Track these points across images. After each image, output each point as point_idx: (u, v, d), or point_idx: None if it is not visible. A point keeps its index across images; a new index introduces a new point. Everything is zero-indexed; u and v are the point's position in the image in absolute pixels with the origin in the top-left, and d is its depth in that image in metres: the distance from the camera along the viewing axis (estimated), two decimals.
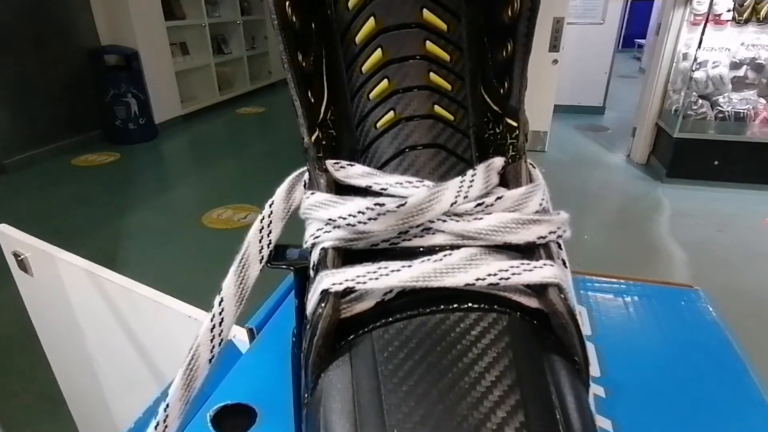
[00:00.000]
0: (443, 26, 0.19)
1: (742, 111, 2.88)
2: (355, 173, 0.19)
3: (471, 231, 0.17)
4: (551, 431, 0.13)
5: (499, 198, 0.17)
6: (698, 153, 2.93)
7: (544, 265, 0.16)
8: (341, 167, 0.20)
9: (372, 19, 0.19)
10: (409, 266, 0.16)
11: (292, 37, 0.19)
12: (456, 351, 0.14)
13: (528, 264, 0.16)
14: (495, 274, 0.15)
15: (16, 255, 0.86)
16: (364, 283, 0.16)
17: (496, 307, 0.16)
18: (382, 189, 0.18)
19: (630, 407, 0.30)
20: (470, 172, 0.18)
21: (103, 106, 3.69)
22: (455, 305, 0.16)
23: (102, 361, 0.90)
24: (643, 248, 2.35)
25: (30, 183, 3.11)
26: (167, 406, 0.19)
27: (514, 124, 0.20)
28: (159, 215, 2.72)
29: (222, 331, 0.20)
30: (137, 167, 3.48)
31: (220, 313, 0.20)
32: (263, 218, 0.21)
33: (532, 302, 0.16)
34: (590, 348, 0.35)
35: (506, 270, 0.16)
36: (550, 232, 0.17)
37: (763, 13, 2.80)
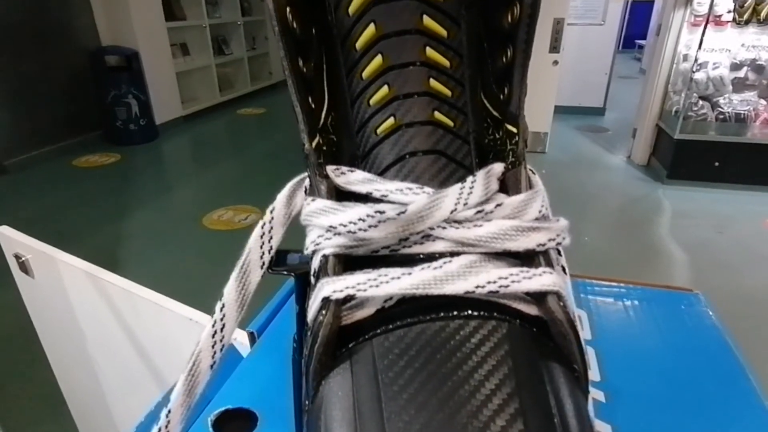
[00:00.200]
0: (443, 32, 0.19)
1: (742, 112, 2.88)
2: (355, 179, 0.19)
3: (471, 238, 0.17)
4: None
5: (498, 205, 0.17)
6: (699, 154, 2.93)
7: (543, 272, 0.16)
8: (342, 173, 0.20)
9: (372, 25, 0.19)
10: (409, 274, 0.16)
11: (293, 43, 0.19)
12: (456, 359, 0.14)
13: (527, 272, 0.16)
14: (494, 282, 0.16)
15: (17, 257, 0.87)
16: (365, 290, 0.16)
17: (495, 314, 0.16)
18: (382, 196, 0.18)
19: (630, 412, 0.30)
20: (470, 178, 0.18)
21: (104, 107, 3.70)
22: (455, 312, 0.16)
23: (102, 363, 0.91)
24: (644, 249, 2.35)
25: (31, 183, 3.11)
26: (169, 411, 0.19)
27: (514, 130, 0.20)
28: (160, 216, 2.72)
29: (223, 336, 0.20)
30: (138, 168, 3.48)
31: (222, 319, 0.20)
32: (264, 224, 0.21)
33: (531, 309, 0.16)
34: (590, 352, 0.35)
35: (506, 278, 0.16)
36: (550, 240, 0.17)
37: (763, 14, 2.80)
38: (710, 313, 0.39)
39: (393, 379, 0.14)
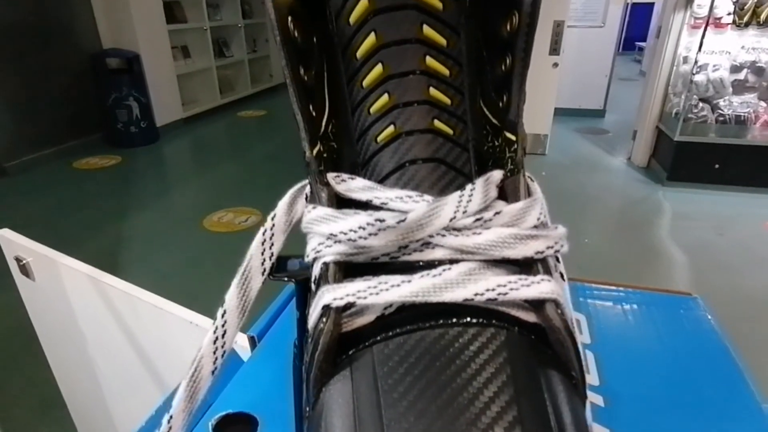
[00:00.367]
0: (443, 41, 0.19)
1: (742, 114, 2.88)
2: (356, 186, 0.19)
3: (470, 246, 0.17)
4: None
5: (497, 213, 0.17)
6: (699, 156, 2.93)
7: (542, 280, 0.16)
8: (342, 180, 0.20)
9: (373, 34, 0.19)
10: (409, 281, 0.16)
11: (294, 51, 0.19)
12: (455, 366, 0.15)
13: (525, 279, 0.16)
14: (493, 290, 0.16)
15: (18, 260, 0.87)
16: (365, 298, 0.16)
17: (494, 321, 0.16)
18: (382, 203, 0.18)
19: (629, 416, 0.30)
20: (469, 186, 0.18)
21: (105, 109, 3.71)
22: (454, 320, 0.16)
23: (103, 366, 0.91)
24: (644, 251, 2.35)
25: (31, 186, 3.12)
26: (171, 417, 0.19)
27: (513, 137, 0.20)
28: (160, 218, 2.73)
29: (225, 343, 0.20)
30: (138, 170, 3.48)
31: (223, 325, 0.20)
32: (265, 231, 0.21)
33: (529, 316, 0.16)
34: (589, 356, 0.35)
35: (504, 285, 0.16)
36: (548, 247, 0.17)
37: (763, 16, 2.81)
38: (709, 317, 0.39)
39: (393, 387, 0.15)
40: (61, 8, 3.46)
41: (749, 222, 2.60)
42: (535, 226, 0.18)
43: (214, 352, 0.20)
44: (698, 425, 0.31)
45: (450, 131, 0.20)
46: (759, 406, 0.32)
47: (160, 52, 4.02)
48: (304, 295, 0.22)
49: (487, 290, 0.16)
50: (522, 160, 0.20)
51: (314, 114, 0.20)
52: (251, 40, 5.49)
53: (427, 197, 0.18)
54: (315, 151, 0.20)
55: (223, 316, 0.20)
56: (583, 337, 0.37)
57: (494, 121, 0.21)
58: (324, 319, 0.16)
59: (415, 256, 0.18)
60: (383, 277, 0.17)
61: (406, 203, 0.18)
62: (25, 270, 0.87)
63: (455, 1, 0.19)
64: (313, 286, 0.18)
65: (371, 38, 0.19)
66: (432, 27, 0.19)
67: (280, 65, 0.19)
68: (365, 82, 0.20)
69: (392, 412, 0.14)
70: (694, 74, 2.88)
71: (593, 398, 0.31)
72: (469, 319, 0.16)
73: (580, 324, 0.39)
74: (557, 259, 0.20)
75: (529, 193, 0.20)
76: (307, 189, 0.21)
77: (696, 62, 2.86)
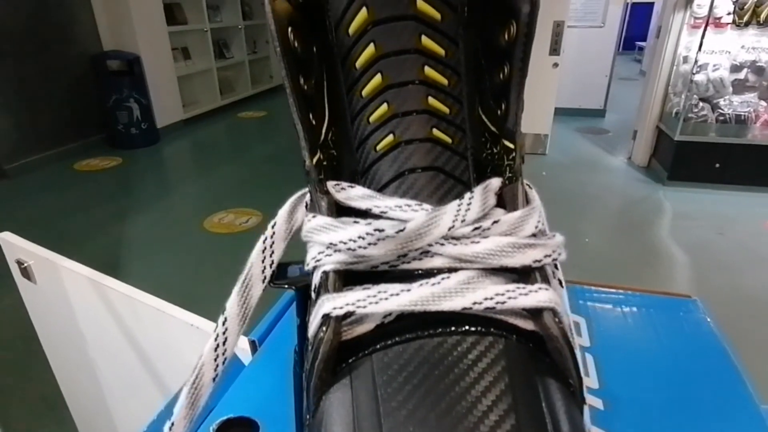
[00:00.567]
0: (441, 52, 0.20)
1: (742, 114, 2.88)
2: (355, 195, 0.20)
3: (468, 254, 0.17)
4: None
5: (495, 222, 0.18)
6: (699, 156, 2.93)
7: (539, 289, 0.16)
8: (342, 188, 0.20)
9: (372, 45, 0.19)
10: (408, 290, 0.16)
11: (294, 61, 0.19)
12: (453, 375, 0.15)
13: (523, 288, 0.16)
14: (491, 298, 0.16)
15: (19, 263, 0.87)
16: (365, 307, 0.16)
17: (492, 330, 0.16)
18: (381, 212, 0.18)
19: (628, 419, 0.31)
20: (468, 195, 0.18)
21: (106, 111, 3.71)
22: (453, 328, 0.16)
23: (104, 368, 0.91)
24: (644, 251, 2.35)
25: (32, 187, 3.12)
26: (172, 424, 0.19)
27: (511, 146, 0.20)
28: (161, 219, 2.73)
29: (226, 350, 0.20)
30: (139, 172, 3.49)
31: (224, 332, 0.20)
32: (266, 239, 0.21)
33: (527, 324, 0.17)
34: (589, 360, 0.35)
35: (502, 294, 0.16)
36: (546, 256, 0.17)
37: (763, 16, 2.81)
38: (708, 319, 0.39)
39: (392, 395, 0.15)
40: (61, 10, 3.46)
41: (750, 221, 2.60)
42: (534, 235, 0.18)
43: (215, 359, 0.20)
44: (697, 428, 0.31)
45: (449, 140, 0.20)
46: (757, 409, 0.32)
47: (161, 54, 4.03)
48: (304, 302, 0.22)
49: (486, 299, 0.16)
50: (520, 167, 0.21)
51: (314, 122, 0.21)
52: (251, 41, 5.50)
53: (426, 206, 0.18)
54: (315, 160, 0.20)
55: (224, 324, 0.20)
56: (582, 340, 0.37)
57: (493, 129, 0.21)
58: (324, 328, 0.16)
59: (414, 265, 0.18)
60: (382, 286, 0.17)
61: (405, 212, 0.18)
62: (26, 273, 0.88)
63: (453, 11, 0.19)
64: (313, 295, 0.19)
65: (370, 48, 0.19)
66: (430, 37, 0.19)
67: (281, 74, 0.19)
68: (365, 92, 0.20)
69: (392, 421, 0.14)
70: (694, 74, 2.88)
71: (593, 401, 0.32)
72: (467, 327, 0.16)
73: (579, 327, 0.39)
74: (555, 266, 0.20)
75: (527, 201, 0.20)
76: (307, 197, 0.22)
77: (696, 62, 2.86)
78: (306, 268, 0.19)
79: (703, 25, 2.82)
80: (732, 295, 1.96)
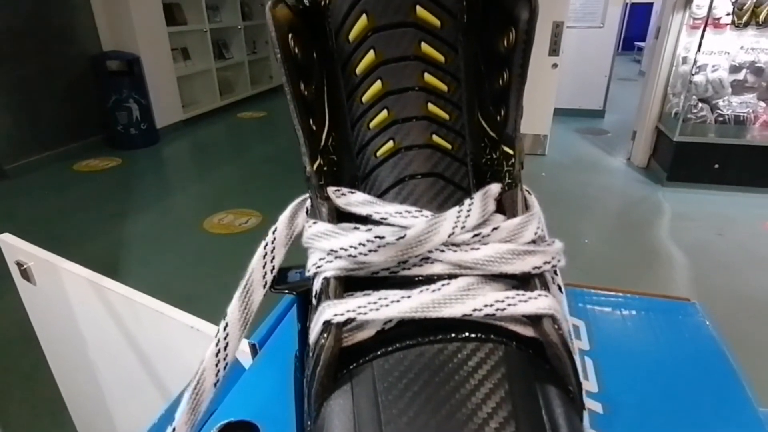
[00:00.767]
0: (441, 58, 0.20)
1: (742, 114, 2.88)
2: (355, 201, 0.20)
3: (468, 261, 0.17)
4: None
5: (495, 228, 0.18)
6: (698, 156, 2.93)
7: (539, 295, 0.16)
8: (342, 194, 0.20)
9: (372, 51, 0.19)
10: (409, 297, 0.16)
11: (295, 67, 0.19)
12: (454, 382, 0.15)
13: (523, 295, 0.16)
14: (491, 305, 0.16)
15: (19, 264, 0.87)
16: (365, 313, 0.16)
17: (492, 336, 0.16)
18: (382, 218, 0.19)
19: (627, 424, 0.31)
20: (467, 201, 0.18)
21: (105, 112, 3.71)
22: (453, 335, 0.16)
23: (104, 369, 0.91)
24: (644, 252, 2.36)
25: (32, 188, 3.12)
26: (174, 429, 0.19)
27: (510, 151, 0.21)
28: (160, 220, 2.73)
29: (227, 355, 0.20)
30: (139, 172, 3.49)
31: (225, 338, 0.20)
32: (266, 244, 0.21)
33: (527, 331, 0.17)
34: (588, 363, 0.35)
35: (502, 301, 0.16)
36: (545, 263, 0.17)
37: (762, 16, 2.81)
38: (707, 322, 0.39)
39: (393, 402, 0.15)
40: (61, 11, 3.46)
41: (749, 222, 2.60)
42: (533, 241, 0.18)
43: (217, 365, 0.20)
44: (695, 431, 0.31)
45: (448, 146, 0.20)
46: (756, 412, 0.32)
47: (160, 54, 4.03)
48: (304, 307, 0.22)
49: (486, 306, 0.16)
50: (520, 173, 0.21)
51: (314, 128, 0.21)
52: (251, 41, 5.50)
53: (426, 212, 0.18)
54: (315, 166, 0.20)
55: (225, 329, 0.20)
56: (582, 344, 0.37)
57: (492, 134, 0.21)
58: (325, 335, 0.16)
59: (415, 271, 0.18)
60: (383, 292, 0.17)
61: (406, 218, 0.18)
62: (26, 274, 0.88)
63: (453, 18, 0.19)
64: (314, 301, 0.19)
65: (370, 55, 0.19)
66: (430, 44, 0.19)
67: (282, 80, 0.19)
68: (365, 98, 0.20)
69: (392, 428, 0.14)
70: (693, 74, 2.88)
71: (592, 405, 0.32)
72: (467, 334, 0.16)
73: (579, 330, 0.39)
74: (555, 272, 0.20)
75: (526, 207, 0.21)
76: (308, 203, 0.22)
77: (695, 62, 2.86)
78: (307, 274, 0.19)
79: (702, 26, 2.83)
80: (731, 296, 1.96)
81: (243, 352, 0.38)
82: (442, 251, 0.17)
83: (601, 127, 4.42)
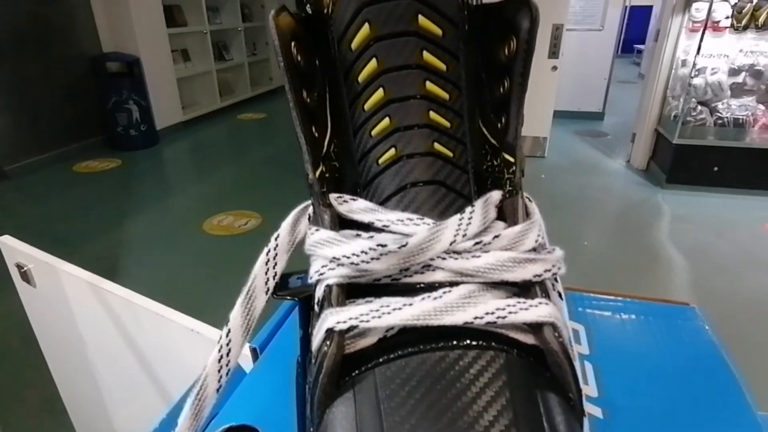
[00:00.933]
0: (442, 67, 0.20)
1: (741, 117, 2.89)
2: (357, 208, 0.20)
3: (469, 269, 0.17)
4: None
5: (496, 236, 0.18)
6: (698, 159, 2.94)
7: (539, 303, 0.16)
8: (344, 201, 0.20)
9: (374, 60, 0.20)
10: (410, 305, 0.16)
11: (297, 75, 0.20)
12: (455, 389, 0.15)
13: (524, 303, 0.16)
14: (492, 313, 0.16)
15: (19, 266, 0.87)
16: (367, 321, 0.16)
17: (493, 344, 0.16)
18: (384, 226, 0.19)
19: (627, 428, 0.31)
20: (468, 209, 0.19)
21: (105, 113, 3.71)
22: (454, 342, 0.16)
23: (103, 372, 0.91)
24: (643, 254, 2.36)
25: (31, 189, 3.12)
26: None
27: (511, 159, 0.21)
28: (160, 221, 2.73)
29: (229, 361, 0.20)
30: (138, 174, 3.49)
31: (228, 344, 0.20)
32: (269, 251, 0.21)
33: (528, 338, 0.17)
34: (588, 368, 0.36)
35: (503, 309, 0.16)
36: (545, 270, 0.18)
37: (761, 19, 2.82)
38: (706, 327, 0.40)
39: (395, 409, 0.15)
40: (61, 12, 3.47)
41: (748, 224, 2.61)
42: (534, 249, 0.18)
43: (219, 371, 0.20)
44: None
45: (450, 154, 0.20)
46: (754, 416, 0.32)
47: (160, 56, 4.03)
48: (306, 313, 0.22)
49: (487, 314, 0.16)
50: (520, 181, 0.21)
51: (317, 135, 0.21)
52: (251, 43, 5.51)
53: (428, 220, 0.18)
54: (318, 173, 0.20)
55: (227, 335, 0.20)
56: (582, 348, 0.37)
57: (493, 141, 0.22)
58: (328, 342, 0.16)
59: (416, 278, 0.18)
60: (385, 300, 0.17)
61: (407, 226, 0.18)
62: (26, 276, 0.88)
63: (454, 27, 0.20)
64: (316, 308, 0.19)
65: (372, 64, 0.20)
66: (432, 53, 0.19)
67: (285, 88, 0.20)
68: (367, 106, 0.20)
69: None
70: (692, 77, 2.89)
71: (592, 410, 0.32)
72: (468, 341, 0.16)
73: (579, 334, 0.39)
74: (555, 279, 0.20)
75: (527, 214, 0.21)
76: (310, 210, 0.22)
77: (694, 65, 2.87)
78: (310, 281, 0.19)
79: (702, 29, 2.84)
80: (731, 299, 1.96)
81: (244, 356, 0.38)
82: (444, 259, 0.18)
83: (600, 130, 4.43)
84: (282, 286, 0.22)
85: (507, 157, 0.21)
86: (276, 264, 0.21)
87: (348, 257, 0.17)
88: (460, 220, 0.18)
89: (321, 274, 0.18)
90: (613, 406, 0.32)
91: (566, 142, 4.04)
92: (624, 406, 0.32)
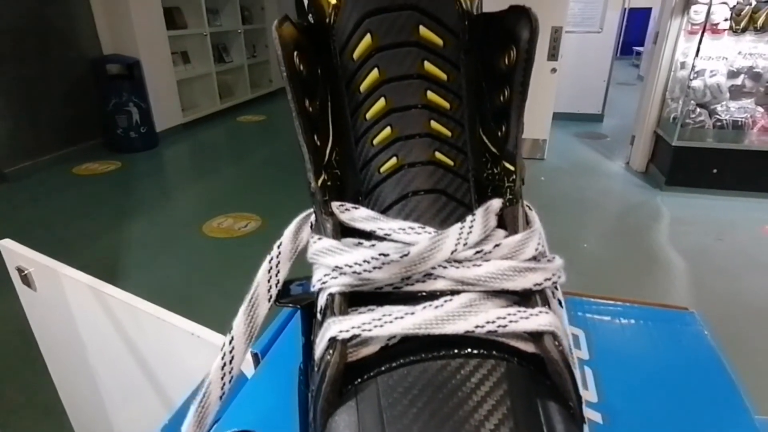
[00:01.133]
0: (443, 76, 0.20)
1: (740, 119, 2.90)
2: (359, 216, 0.20)
3: (470, 277, 0.18)
4: None
5: (497, 245, 0.18)
6: (697, 161, 2.94)
7: (540, 312, 0.17)
8: (346, 209, 0.20)
9: (376, 70, 0.20)
10: (412, 313, 0.17)
11: (300, 84, 0.20)
12: (457, 398, 0.15)
13: (524, 311, 0.17)
14: (493, 322, 0.16)
15: (19, 270, 0.87)
16: (370, 330, 0.16)
17: (494, 353, 0.17)
18: (385, 234, 0.19)
19: None
20: (469, 218, 0.19)
21: (105, 115, 3.72)
22: (456, 350, 0.17)
23: (104, 375, 0.91)
24: (643, 256, 2.36)
25: (31, 191, 3.12)
26: None
27: (511, 168, 0.21)
28: (160, 224, 2.73)
29: (232, 368, 0.20)
30: (138, 176, 3.49)
31: (231, 351, 0.20)
32: (272, 259, 0.21)
33: (528, 347, 0.17)
34: (588, 373, 0.36)
35: (503, 318, 0.16)
36: (546, 279, 0.18)
37: (760, 21, 2.83)
38: (705, 332, 0.40)
39: (397, 418, 0.15)
40: (61, 14, 3.47)
41: (748, 227, 2.61)
42: (534, 257, 0.19)
43: (222, 378, 0.20)
44: None
45: (451, 163, 0.20)
46: (752, 421, 0.33)
47: (160, 58, 4.04)
48: (309, 320, 0.22)
49: (487, 323, 0.16)
50: (521, 190, 0.21)
51: (318, 143, 0.21)
52: (251, 45, 5.51)
53: (429, 229, 0.19)
54: (320, 182, 0.21)
55: (231, 342, 0.20)
56: (581, 353, 0.37)
57: (493, 149, 0.22)
58: (331, 351, 0.16)
59: (418, 287, 0.18)
60: (387, 308, 0.17)
61: (409, 235, 0.18)
62: (26, 280, 0.88)
63: (455, 37, 0.20)
64: (318, 316, 0.19)
65: (374, 73, 0.20)
66: (433, 63, 0.20)
67: (287, 97, 0.20)
68: (368, 115, 0.20)
69: None
70: (691, 79, 2.90)
71: (591, 415, 0.32)
72: (470, 350, 0.17)
73: (578, 339, 0.39)
74: (555, 287, 0.20)
75: (527, 222, 0.21)
76: (312, 218, 0.22)
77: (693, 68, 2.87)
78: (312, 289, 0.19)
79: (701, 31, 2.84)
80: (731, 301, 1.96)
81: (245, 361, 0.38)
82: (445, 267, 0.18)
83: (599, 132, 4.43)
84: (284, 294, 0.22)
85: (507, 165, 0.21)
86: (279, 272, 0.21)
87: (350, 266, 0.18)
88: (461, 228, 0.18)
89: (324, 282, 0.18)
90: (612, 411, 0.32)
91: (565, 144, 4.05)
92: (623, 411, 0.32)
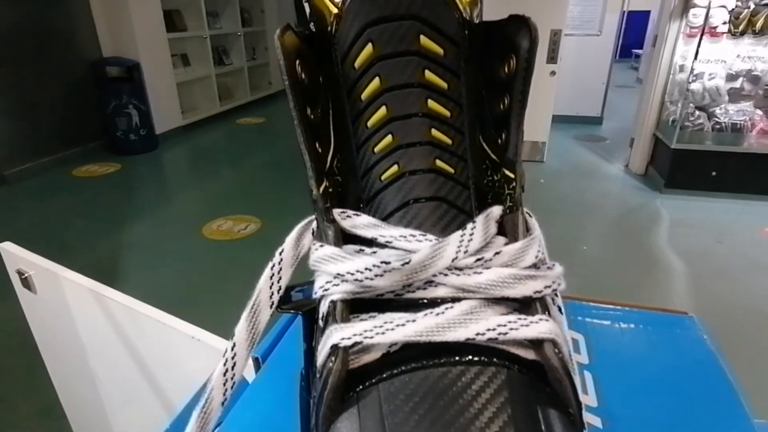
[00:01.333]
0: (444, 85, 0.20)
1: (738, 122, 2.90)
2: (361, 223, 0.20)
3: (471, 285, 0.18)
4: None
5: (497, 253, 0.18)
6: (696, 164, 2.95)
7: (540, 320, 0.17)
8: (348, 216, 0.21)
9: (377, 78, 0.20)
10: (413, 320, 0.17)
11: (301, 92, 0.20)
12: (458, 406, 0.15)
13: (524, 319, 0.17)
14: (494, 329, 0.16)
15: (20, 273, 0.87)
16: (371, 337, 0.17)
17: (495, 360, 0.17)
18: (387, 242, 0.19)
19: None
20: (470, 225, 0.19)
21: (105, 117, 3.72)
22: (457, 358, 0.17)
23: (104, 378, 0.91)
24: (642, 259, 2.36)
25: (31, 193, 3.12)
26: None
27: (512, 175, 0.21)
28: (159, 226, 2.73)
29: (234, 374, 0.21)
30: (138, 178, 3.49)
31: (233, 357, 0.20)
32: (273, 265, 0.22)
33: (528, 354, 0.17)
34: (588, 378, 0.36)
35: (504, 325, 0.17)
36: (546, 287, 0.18)
37: (758, 25, 2.84)
38: (704, 336, 0.40)
39: (398, 425, 0.15)
40: (61, 16, 3.48)
41: (747, 229, 2.61)
42: (534, 265, 0.19)
43: (224, 384, 0.20)
44: None
45: (451, 170, 0.20)
46: (751, 425, 0.33)
47: (160, 60, 4.04)
48: (310, 326, 0.22)
49: (488, 330, 0.16)
50: (521, 197, 0.21)
51: (320, 150, 0.21)
52: (250, 48, 5.52)
53: (430, 236, 0.19)
54: (321, 189, 0.21)
55: (232, 349, 0.21)
56: (581, 358, 0.38)
57: (494, 157, 0.22)
58: (333, 358, 0.17)
59: (419, 294, 0.18)
60: (388, 316, 0.17)
61: (410, 242, 0.19)
62: (26, 283, 0.88)
63: (456, 46, 0.20)
64: (320, 323, 0.19)
65: (375, 82, 0.20)
66: (433, 72, 0.20)
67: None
68: (370, 123, 0.21)
69: None
70: (690, 82, 2.90)
71: (591, 420, 0.32)
72: (471, 357, 0.17)
73: (578, 344, 0.39)
74: (555, 294, 0.20)
75: (527, 229, 0.21)
76: (314, 224, 0.22)
77: (692, 71, 2.88)
78: (314, 296, 0.20)
79: (699, 34, 2.85)
80: (730, 303, 1.96)
81: (246, 366, 0.38)
82: (446, 275, 0.18)
83: (599, 134, 4.44)
84: (286, 300, 0.23)
85: (507, 172, 0.21)
86: (281, 278, 0.22)
87: (352, 274, 0.18)
88: (462, 236, 0.18)
89: (325, 290, 0.19)
90: (612, 415, 0.32)
91: (565, 146, 4.06)
92: (623, 416, 0.33)
